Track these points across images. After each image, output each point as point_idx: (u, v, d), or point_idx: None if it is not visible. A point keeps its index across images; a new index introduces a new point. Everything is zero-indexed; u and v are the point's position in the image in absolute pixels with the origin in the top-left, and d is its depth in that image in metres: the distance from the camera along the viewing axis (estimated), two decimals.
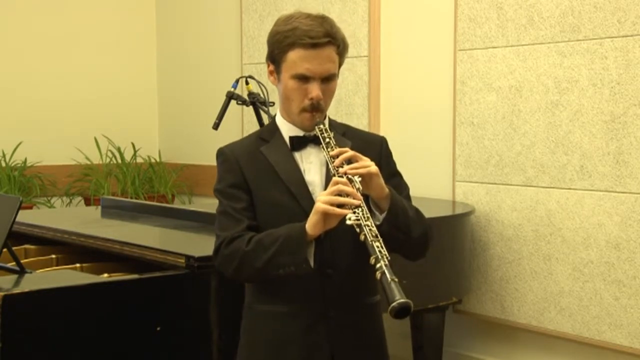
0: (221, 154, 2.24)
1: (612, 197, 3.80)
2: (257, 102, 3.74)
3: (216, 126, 3.81)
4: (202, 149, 6.09)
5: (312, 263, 2.04)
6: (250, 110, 3.90)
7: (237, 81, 3.87)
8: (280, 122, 2.24)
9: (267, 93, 3.76)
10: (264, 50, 6.18)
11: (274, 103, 3.82)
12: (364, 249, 1.98)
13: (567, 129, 3.93)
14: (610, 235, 3.80)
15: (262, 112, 3.76)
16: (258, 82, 3.78)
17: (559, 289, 4.00)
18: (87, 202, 5.95)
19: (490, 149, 4.25)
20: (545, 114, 4.01)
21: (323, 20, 2.13)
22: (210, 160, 6.40)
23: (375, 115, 4.78)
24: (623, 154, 3.74)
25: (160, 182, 6.20)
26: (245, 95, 3.78)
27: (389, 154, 2.29)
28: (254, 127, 3.99)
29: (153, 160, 6.36)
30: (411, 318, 3.91)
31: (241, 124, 5.60)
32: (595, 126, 3.83)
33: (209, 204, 5.43)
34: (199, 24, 6.15)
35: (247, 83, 3.77)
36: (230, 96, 3.82)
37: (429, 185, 4.39)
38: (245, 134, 5.47)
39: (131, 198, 5.80)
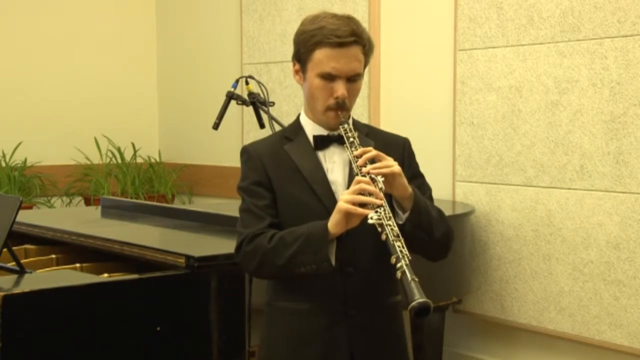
0: (245, 152, 2.25)
1: (612, 197, 3.79)
2: (257, 102, 3.74)
3: (216, 126, 3.81)
4: (202, 149, 6.09)
5: (333, 262, 2.05)
6: (250, 110, 3.90)
7: (237, 81, 3.88)
8: (305, 121, 2.25)
9: (267, 93, 3.76)
10: (263, 50, 6.21)
11: (273, 103, 3.82)
12: (385, 249, 1.99)
13: (567, 129, 3.93)
14: (610, 235, 3.80)
15: (262, 112, 3.76)
16: (258, 82, 3.78)
17: (559, 289, 4.00)
18: (87, 202, 5.95)
19: (490, 149, 4.25)
20: (545, 114, 4.01)
21: (349, 20, 2.15)
22: (210, 160, 6.48)
23: (375, 115, 4.79)
24: (623, 154, 3.74)
25: (160, 182, 6.19)
26: (245, 95, 3.78)
27: (411, 154, 2.31)
28: (254, 127, 4.00)
29: (153, 160, 6.36)
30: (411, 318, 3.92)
31: (241, 124, 5.60)
32: (595, 126, 3.83)
33: (209, 204, 5.45)
34: (199, 24, 6.14)
35: (247, 83, 3.77)
36: (230, 96, 3.82)
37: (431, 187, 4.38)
38: (245, 134, 5.54)
39: (131, 198, 5.80)
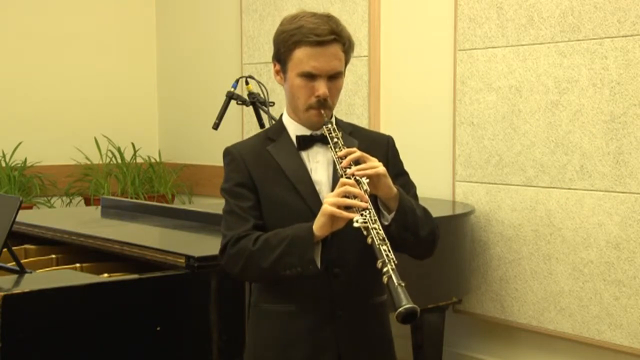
0: (228, 153, 2.23)
1: (612, 197, 3.79)
2: (257, 102, 3.74)
3: (216, 126, 3.81)
4: (202, 149, 6.09)
5: (319, 264, 2.05)
6: (250, 110, 3.90)
7: (237, 81, 3.88)
8: (287, 121, 2.24)
9: (267, 93, 3.76)
10: (264, 50, 6.21)
11: (273, 103, 3.82)
12: (371, 249, 1.98)
13: (567, 129, 3.93)
14: (610, 235, 3.80)
15: (262, 112, 3.76)
16: (258, 82, 3.78)
17: (559, 289, 4.00)
18: (87, 202, 5.95)
19: (490, 149, 4.25)
20: (545, 114, 4.01)
21: (328, 18, 2.14)
22: (210, 160, 6.47)
23: (375, 115, 4.79)
24: (623, 154, 3.74)
25: (160, 182, 6.20)
26: (245, 95, 3.78)
27: (395, 153, 2.29)
28: (254, 127, 3.99)
29: (153, 160, 6.36)
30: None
31: (241, 124, 5.60)
32: (595, 126, 3.83)
33: (209, 204, 5.44)
34: (199, 24, 6.15)
35: (247, 83, 3.77)
36: (230, 96, 3.82)
37: (429, 185, 4.39)
38: (245, 134, 5.53)
39: (131, 198, 5.80)
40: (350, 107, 4.86)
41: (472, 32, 4.31)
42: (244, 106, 3.88)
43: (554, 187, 4.00)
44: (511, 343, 4.34)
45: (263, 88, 3.75)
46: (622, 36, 3.72)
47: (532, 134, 4.07)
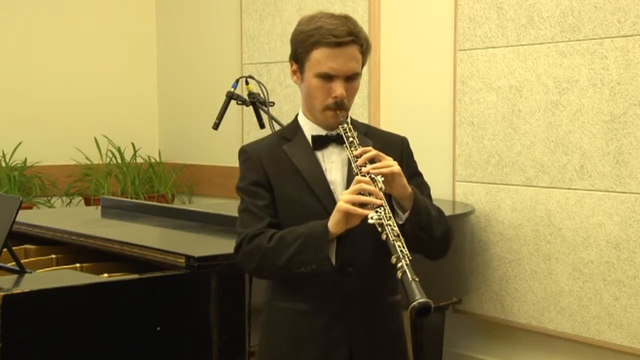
0: (243, 152, 2.25)
1: (612, 197, 3.79)
2: (257, 102, 3.74)
3: (216, 126, 3.81)
4: (202, 149, 6.09)
5: (333, 261, 2.06)
6: (250, 110, 3.90)
7: (237, 81, 3.88)
8: (303, 121, 2.25)
9: (267, 93, 3.76)
10: (264, 50, 6.20)
11: (273, 103, 3.82)
12: (385, 249, 1.99)
13: (567, 129, 3.93)
14: (610, 235, 3.80)
15: (262, 112, 3.76)
16: (258, 82, 3.78)
17: (559, 289, 4.00)
18: (87, 202, 5.95)
19: (490, 149, 4.25)
20: (545, 114, 4.01)
21: (346, 19, 2.16)
22: (210, 160, 6.47)
23: (375, 115, 4.79)
24: (623, 154, 3.74)
25: (160, 182, 6.20)
26: (245, 95, 3.79)
27: (410, 154, 2.31)
28: (254, 127, 4.00)
29: (153, 160, 6.36)
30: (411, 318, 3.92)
31: (241, 124, 5.60)
32: (595, 126, 3.83)
33: (209, 204, 5.45)
34: (199, 24, 6.14)
35: (247, 83, 3.77)
36: (230, 96, 3.82)
37: (429, 185, 4.38)
38: (245, 134, 5.54)
39: (131, 198, 5.80)
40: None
41: (472, 32, 4.31)
42: (244, 106, 3.88)
43: (554, 187, 4.00)
44: (511, 343, 4.34)
45: (263, 88, 3.76)
46: (622, 36, 3.72)
47: (532, 134, 4.07)
